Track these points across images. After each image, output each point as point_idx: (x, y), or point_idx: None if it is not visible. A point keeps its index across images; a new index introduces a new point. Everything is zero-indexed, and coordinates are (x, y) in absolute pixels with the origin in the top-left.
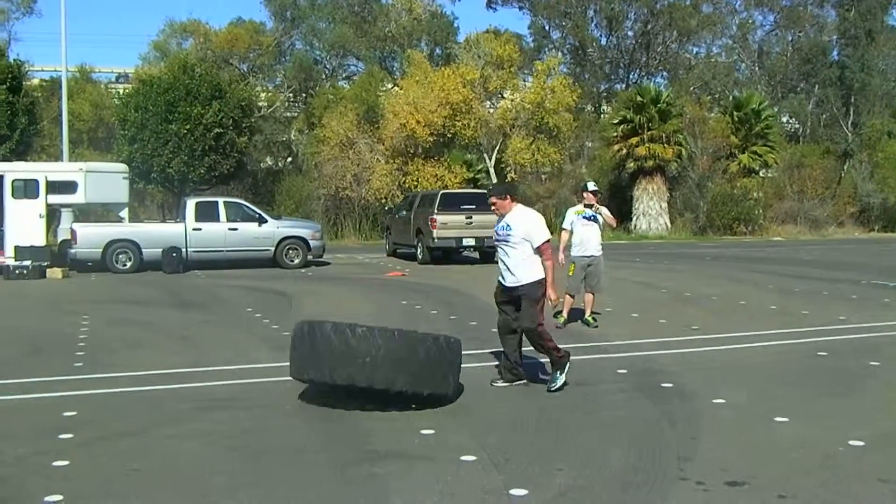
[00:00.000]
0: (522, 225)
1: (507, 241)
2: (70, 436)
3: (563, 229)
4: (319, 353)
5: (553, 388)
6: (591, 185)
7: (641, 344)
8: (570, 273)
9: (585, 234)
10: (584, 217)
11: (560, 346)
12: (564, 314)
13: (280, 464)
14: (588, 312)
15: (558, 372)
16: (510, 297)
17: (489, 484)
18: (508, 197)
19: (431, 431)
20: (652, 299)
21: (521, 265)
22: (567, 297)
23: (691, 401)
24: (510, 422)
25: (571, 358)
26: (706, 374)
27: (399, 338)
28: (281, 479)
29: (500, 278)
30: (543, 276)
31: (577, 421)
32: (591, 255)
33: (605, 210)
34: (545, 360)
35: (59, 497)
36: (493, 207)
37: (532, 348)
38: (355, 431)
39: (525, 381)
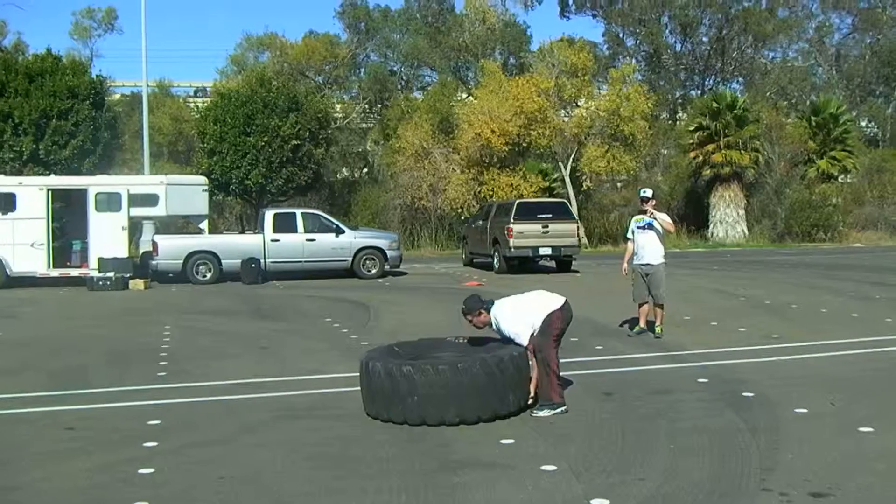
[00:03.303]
0: (510, 328)
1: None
2: (154, 444)
3: (627, 239)
4: (374, 392)
5: (535, 414)
6: (643, 192)
7: (721, 353)
8: (633, 283)
9: (641, 242)
10: (639, 225)
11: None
12: (641, 324)
13: (361, 473)
14: (658, 323)
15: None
16: None
17: (570, 493)
18: (481, 312)
19: (511, 441)
20: (731, 307)
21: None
22: (639, 307)
23: (773, 410)
24: (590, 431)
25: (651, 367)
26: (787, 383)
27: (442, 372)
28: (362, 487)
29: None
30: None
31: (657, 430)
32: (647, 264)
33: (661, 215)
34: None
35: None
36: (476, 324)
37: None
38: (435, 440)
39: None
